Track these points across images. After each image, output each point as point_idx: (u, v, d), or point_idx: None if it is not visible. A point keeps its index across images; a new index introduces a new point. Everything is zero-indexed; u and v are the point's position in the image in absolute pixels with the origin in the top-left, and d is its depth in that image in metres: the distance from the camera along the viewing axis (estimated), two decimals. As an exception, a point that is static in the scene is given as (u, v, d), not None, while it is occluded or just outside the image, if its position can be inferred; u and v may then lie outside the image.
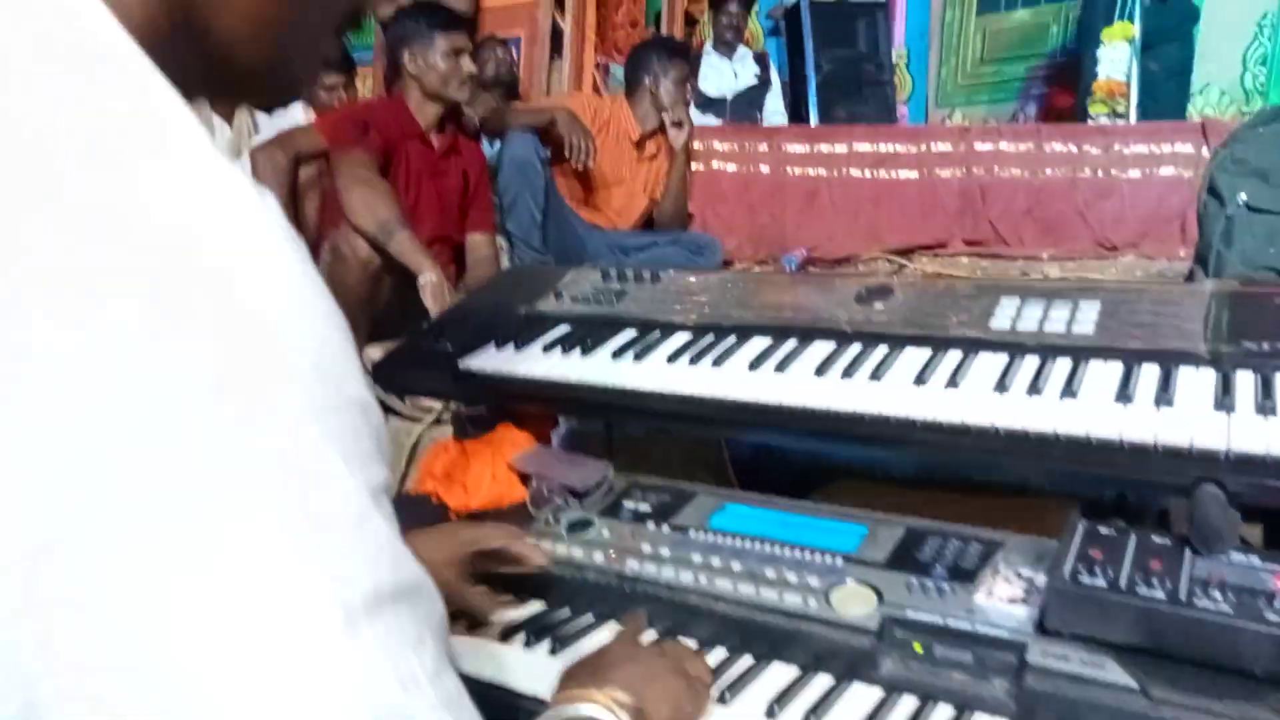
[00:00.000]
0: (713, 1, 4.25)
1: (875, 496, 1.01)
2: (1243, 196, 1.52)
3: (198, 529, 0.27)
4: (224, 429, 0.28)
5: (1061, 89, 5.34)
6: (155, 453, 0.27)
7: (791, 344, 1.04)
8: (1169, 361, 0.88)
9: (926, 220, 2.85)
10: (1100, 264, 2.53)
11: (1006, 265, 2.66)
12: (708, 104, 4.07)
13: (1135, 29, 2.91)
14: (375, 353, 1.97)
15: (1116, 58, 2.92)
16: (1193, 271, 1.59)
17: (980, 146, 2.81)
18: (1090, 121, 2.99)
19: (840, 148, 2.96)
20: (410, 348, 1.19)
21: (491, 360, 1.11)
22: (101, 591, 0.26)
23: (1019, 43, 5.66)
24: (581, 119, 2.67)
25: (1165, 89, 3.16)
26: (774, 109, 4.23)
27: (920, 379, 0.92)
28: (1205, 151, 2.49)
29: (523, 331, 1.16)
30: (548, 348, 1.12)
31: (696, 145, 3.04)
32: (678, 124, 2.82)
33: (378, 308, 1.93)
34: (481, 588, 0.84)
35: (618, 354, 1.08)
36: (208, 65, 0.43)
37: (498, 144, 2.72)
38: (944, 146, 2.86)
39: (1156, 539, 0.76)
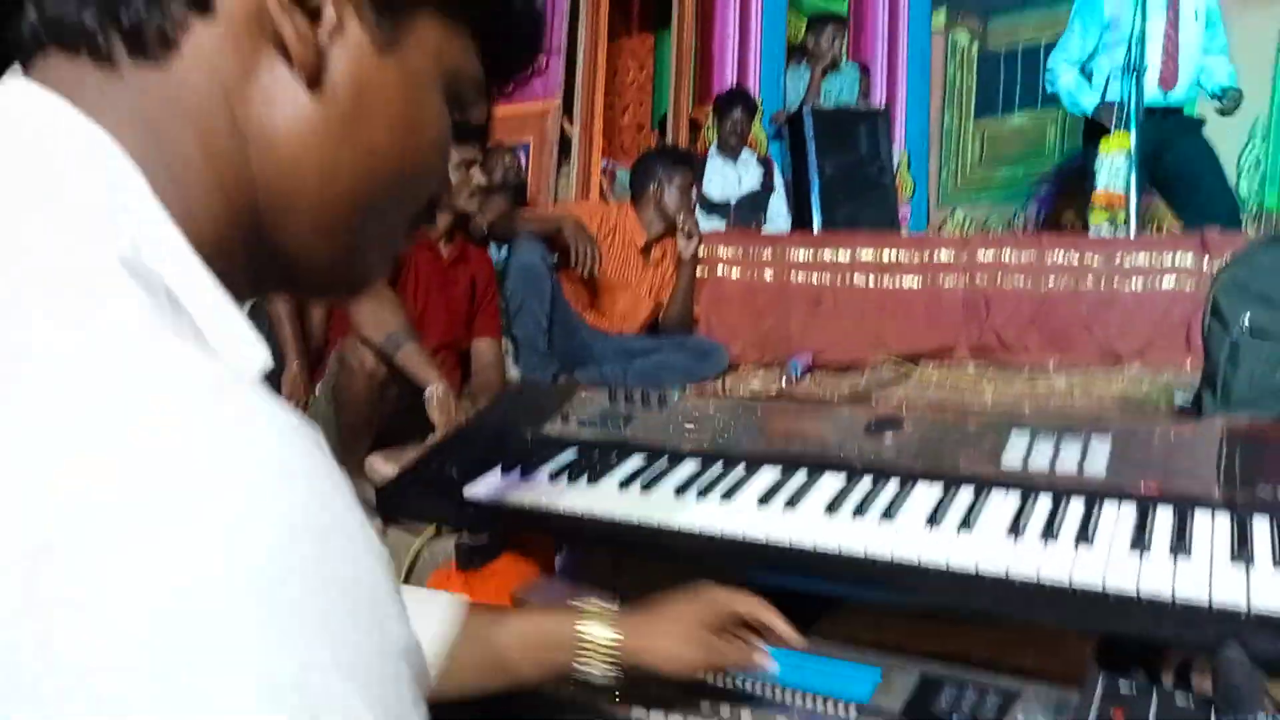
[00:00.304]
0: (717, 107, 4.37)
1: (887, 626, 0.98)
2: (1246, 321, 1.53)
3: None
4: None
5: (1064, 194, 5.47)
6: None
7: (801, 477, 1.03)
8: (1183, 505, 0.87)
9: (931, 327, 2.86)
10: (1107, 374, 2.53)
11: (1013, 374, 2.66)
12: (712, 207, 4.15)
13: (1132, 140, 2.98)
14: (378, 462, 1.97)
15: (1115, 169, 2.98)
16: (1200, 396, 1.58)
17: (983, 256, 2.85)
18: (1091, 232, 3.04)
19: (843, 255, 3.00)
20: (414, 472, 1.18)
21: (496, 487, 1.10)
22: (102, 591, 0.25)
23: (1017, 146, 5.83)
24: (588, 226, 2.72)
25: (1207, 195, 3.24)
26: (777, 211, 4.31)
27: (933, 519, 0.91)
28: (1205, 264, 2.52)
29: (529, 456, 1.15)
30: (554, 475, 1.11)
31: (701, 251, 3.08)
32: (687, 232, 2.87)
33: (383, 417, 1.92)
34: (738, 642, 0.84)
35: (625, 484, 1.07)
36: (279, 270, 0.44)
37: (504, 249, 2.77)
38: (947, 255, 2.90)
39: (1179, 699, 0.74)
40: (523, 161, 3.97)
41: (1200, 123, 3.52)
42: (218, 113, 0.38)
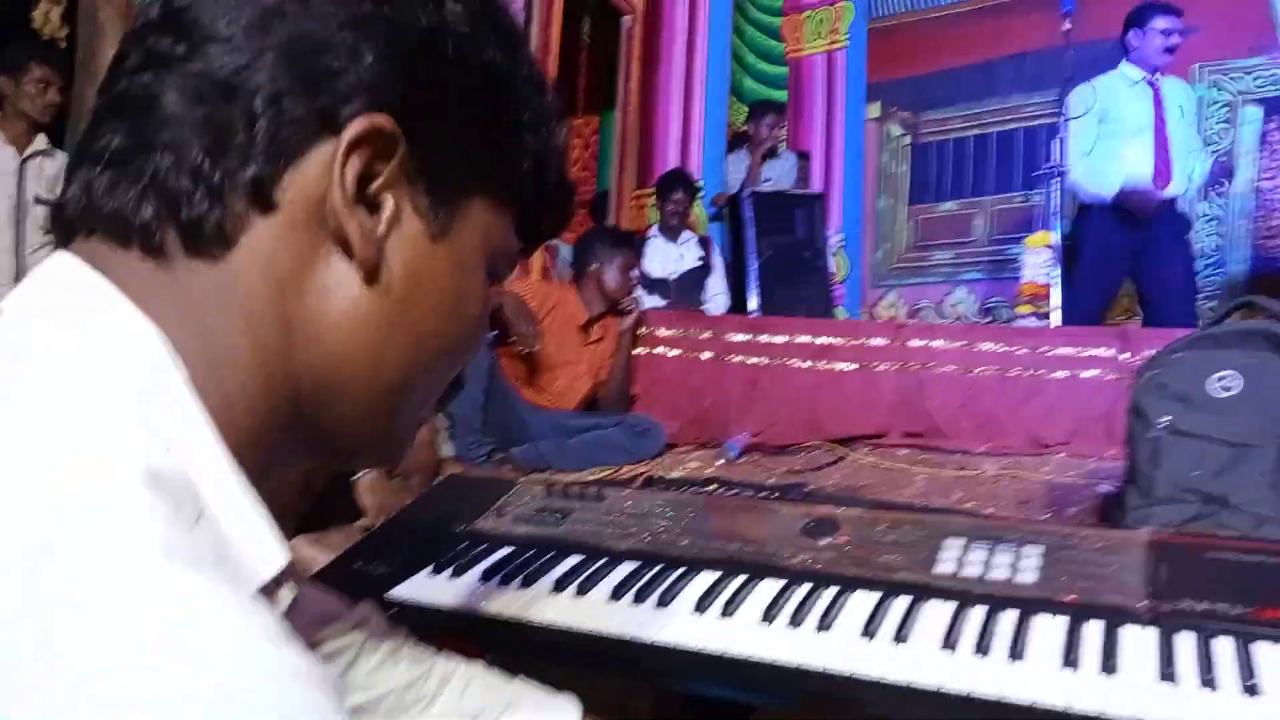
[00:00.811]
0: (659, 188, 4.45)
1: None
2: (1166, 420, 1.58)
3: None
4: None
5: (993, 280, 5.69)
6: None
7: (739, 581, 1.01)
8: (1112, 618, 0.88)
9: (866, 411, 2.91)
10: (1035, 461, 2.59)
11: (944, 458, 2.70)
12: (652, 284, 4.19)
13: (1054, 236, 3.11)
14: (304, 545, 1.90)
15: (1039, 262, 3.11)
16: (1124, 492, 1.62)
17: (914, 343, 2.92)
18: (1017, 322, 3.14)
19: (780, 338, 3.05)
20: (336, 570, 1.14)
21: (424, 589, 1.06)
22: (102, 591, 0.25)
23: (947, 232, 6.07)
24: (529, 303, 2.72)
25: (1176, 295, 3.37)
26: (716, 290, 4.37)
27: (868, 631, 0.90)
28: (1125, 356, 2.62)
29: (460, 555, 1.12)
30: (487, 576, 1.08)
31: (641, 330, 3.10)
32: (627, 312, 2.90)
33: (311, 499, 1.86)
34: None
35: (559, 586, 1.04)
36: (315, 447, 0.44)
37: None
38: (880, 341, 2.96)
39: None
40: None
41: (1188, 224, 3.67)
42: (269, 305, 0.39)
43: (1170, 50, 3.41)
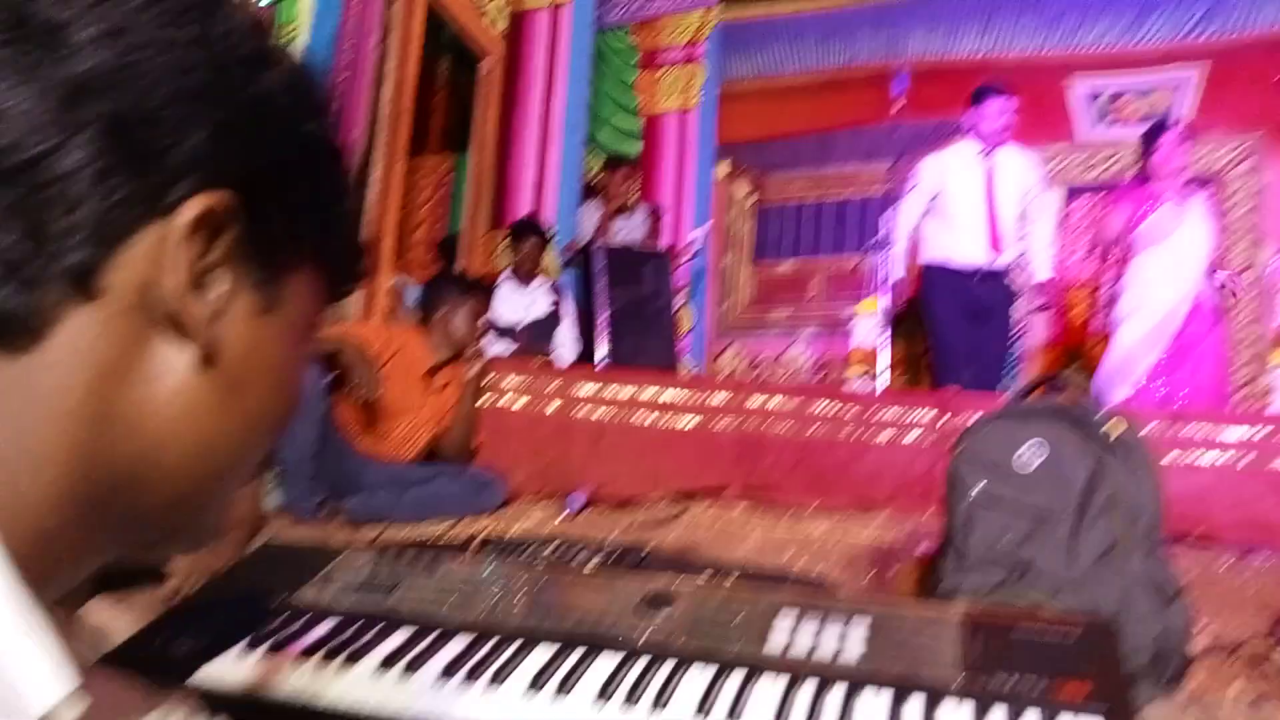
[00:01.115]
0: (511, 233, 4.43)
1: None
2: (978, 489, 1.68)
3: None
4: None
5: (828, 336, 5.98)
6: None
7: (576, 657, 1.00)
8: (932, 692, 0.92)
9: (705, 467, 2.97)
10: (862, 518, 2.70)
11: (779, 515, 2.78)
12: (501, 331, 4.15)
13: (882, 303, 3.30)
14: (104, 609, 1.73)
15: (868, 327, 3.29)
16: (940, 556, 1.71)
17: (753, 402, 3.01)
18: (847, 384, 3.30)
19: (627, 391, 3.08)
20: (138, 646, 1.04)
21: (237, 669, 0.99)
22: None
23: (787, 289, 6.35)
24: (371, 348, 2.62)
25: (994, 361, 3.60)
26: (566, 339, 4.37)
27: (703, 708, 0.90)
28: (945, 420, 2.80)
29: (279, 629, 1.04)
30: (307, 652, 1.01)
31: (487, 379, 3.05)
32: (472, 359, 2.84)
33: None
34: None
35: (387, 663, 0.99)
36: (125, 538, 0.41)
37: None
38: (721, 398, 3.04)
39: None
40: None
41: (1014, 294, 3.94)
42: (84, 397, 0.36)
43: (1005, 129, 3.73)
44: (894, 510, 2.77)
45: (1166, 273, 3.63)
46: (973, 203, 3.66)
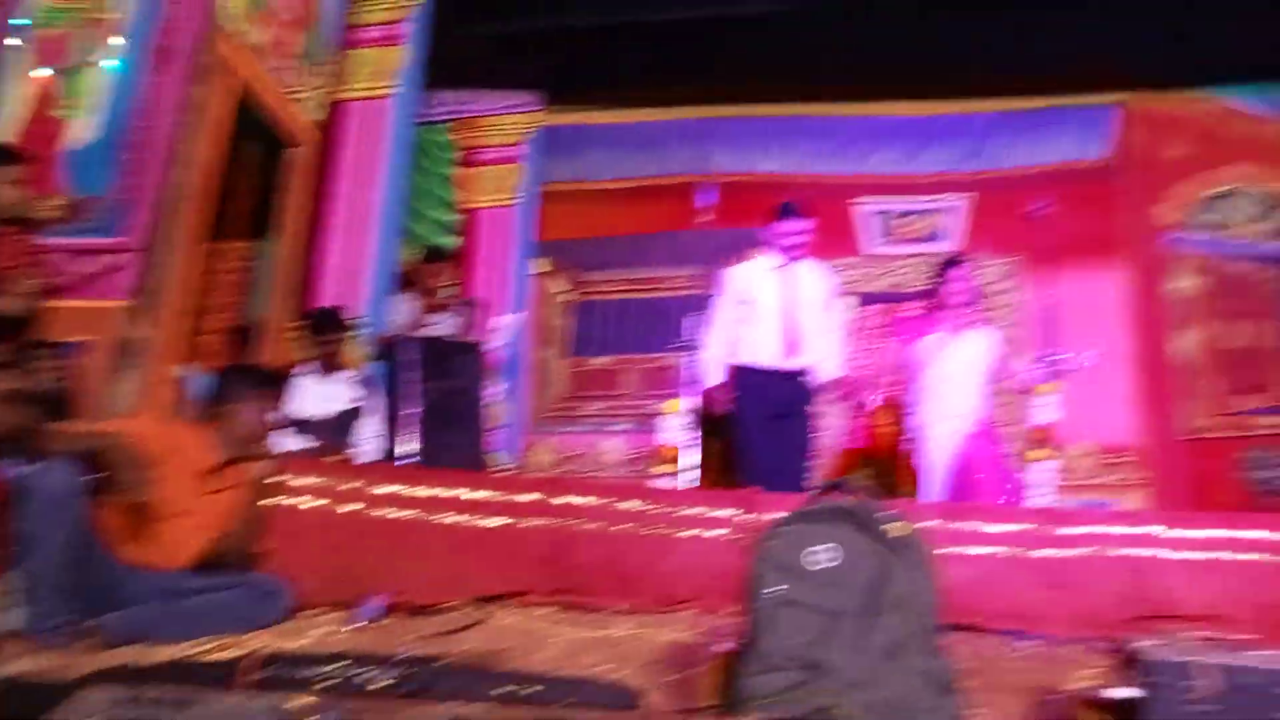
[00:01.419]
0: (312, 324, 4.25)
1: None
2: (776, 591, 1.72)
3: None
4: None
5: (639, 432, 6.07)
6: None
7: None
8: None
9: (512, 568, 2.88)
10: (667, 618, 2.70)
11: (584, 617, 2.73)
12: (299, 426, 3.93)
13: (686, 404, 3.39)
14: None
15: (674, 427, 3.36)
16: (741, 656, 1.72)
17: (563, 500, 2.98)
18: (656, 483, 3.34)
19: (432, 491, 2.97)
20: None
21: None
22: None
23: (600, 384, 6.43)
24: (146, 444, 2.40)
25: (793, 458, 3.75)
26: (370, 435, 4.19)
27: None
28: (747, 518, 2.87)
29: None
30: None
31: (277, 478, 2.86)
32: (261, 457, 2.66)
33: None
34: None
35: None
36: None
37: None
38: (530, 497, 2.99)
39: None
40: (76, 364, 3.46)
41: (809, 395, 4.12)
42: None
43: (798, 246, 4.01)
44: (698, 609, 2.79)
45: (959, 390, 4.02)
46: (771, 310, 3.88)
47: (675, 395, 3.41)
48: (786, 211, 4.06)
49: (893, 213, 6.30)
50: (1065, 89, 6.10)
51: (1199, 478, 5.49)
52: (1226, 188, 5.86)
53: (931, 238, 6.23)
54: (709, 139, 6.56)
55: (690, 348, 3.56)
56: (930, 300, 4.22)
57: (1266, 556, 2.60)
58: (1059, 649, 2.46)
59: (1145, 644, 1.67)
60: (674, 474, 3.30)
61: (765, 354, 3.85)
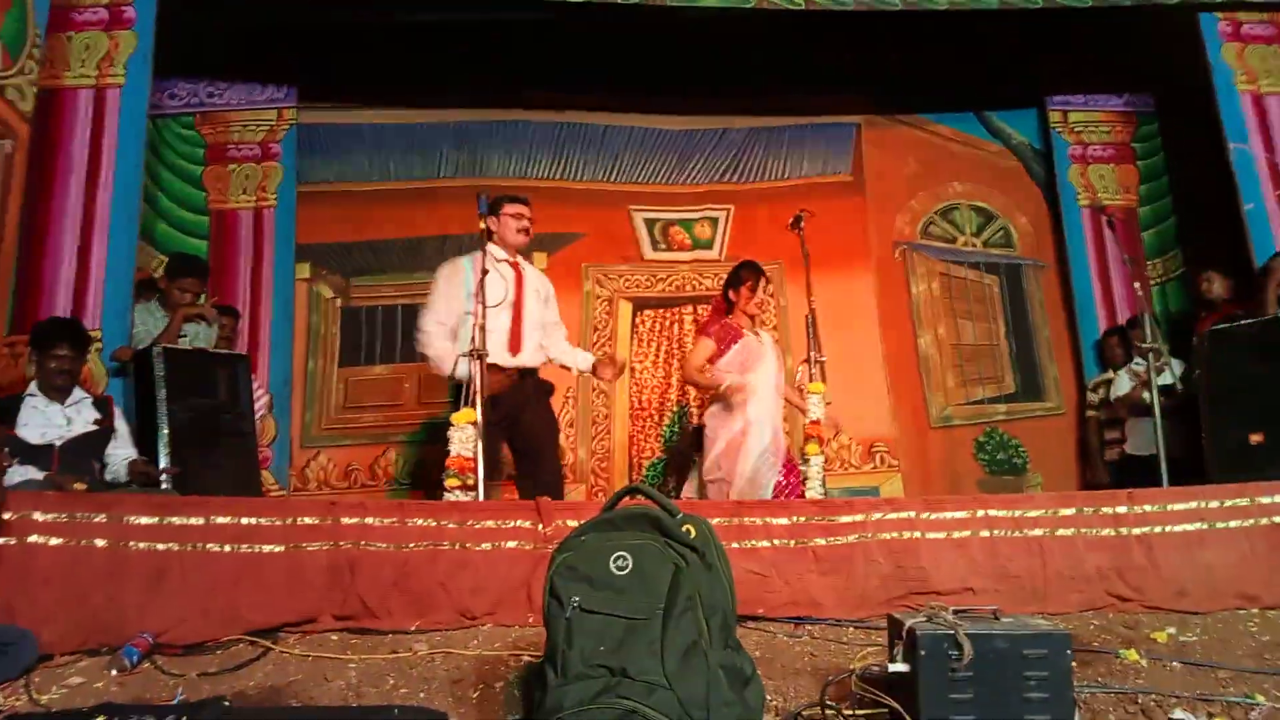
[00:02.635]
0: (36, 338, 3.76)
1: None
2: (576, 600, 1.74)
3: None
4: None
5: (424, 444, 5.89)
6: None
7: None
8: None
9: (293, 596, 2.71)
10: (464, 635, 2.65)
11: (377, 640, 2.63)
12: (30, 452, 3.48)
13: (477, 414, 3.34)
14: None
15: (465, 438, 3.30)
16: (545, 669, 1.72)
17: (347, 520, 2.84)
18: (445, 495, 3.26)
19: (196, 520, 2.73)
20: None
21: None
22: None
23: (378, 395, 6.16)
24: None
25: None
26: (120, 458, 3.78)
27: None
28: (540, 528, 2.87)
29: None
30: None
31: (8, 515, 2.53)
32: (-17, 492, 2.33)
33: None
34: None
35: None
36: None
37: None
38: (311, 519, 2.82)
39: None
40: None
41: (550, 389, 4.15)
42: None
43: (524, 233, 4.04)
44: (495, 622, 2.76)
45: (762, 396, 4.20)
46: (502, 304, 3.89)
47: (464, 406, 3.34)
48: (508, 198, 4.11)
49: (663, 221, 6.53)
50: (811, 110, 6.61)
51: (946, 462, 6.14)
52: (951, 203, 6.60)
53: (698, 246, 6.52)
54: (480, 141, 6.50)
55: (480, 356, 3.49)
56: (725, 309, 4.41)
57: (1005, 532, 2.96)
58: (837, 630, 2.67)
59: (912, 620, 1.84)
60: (467, 486, 3.24)
61: (496, 351, 3.79)
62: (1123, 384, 5.32)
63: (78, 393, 3.79)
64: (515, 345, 3.95)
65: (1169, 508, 3.07)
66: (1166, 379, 4.60)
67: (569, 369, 4.29)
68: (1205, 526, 3.03)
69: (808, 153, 6.68)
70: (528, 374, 4.02)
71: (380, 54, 6.19)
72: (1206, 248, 5.50)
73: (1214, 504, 3.07)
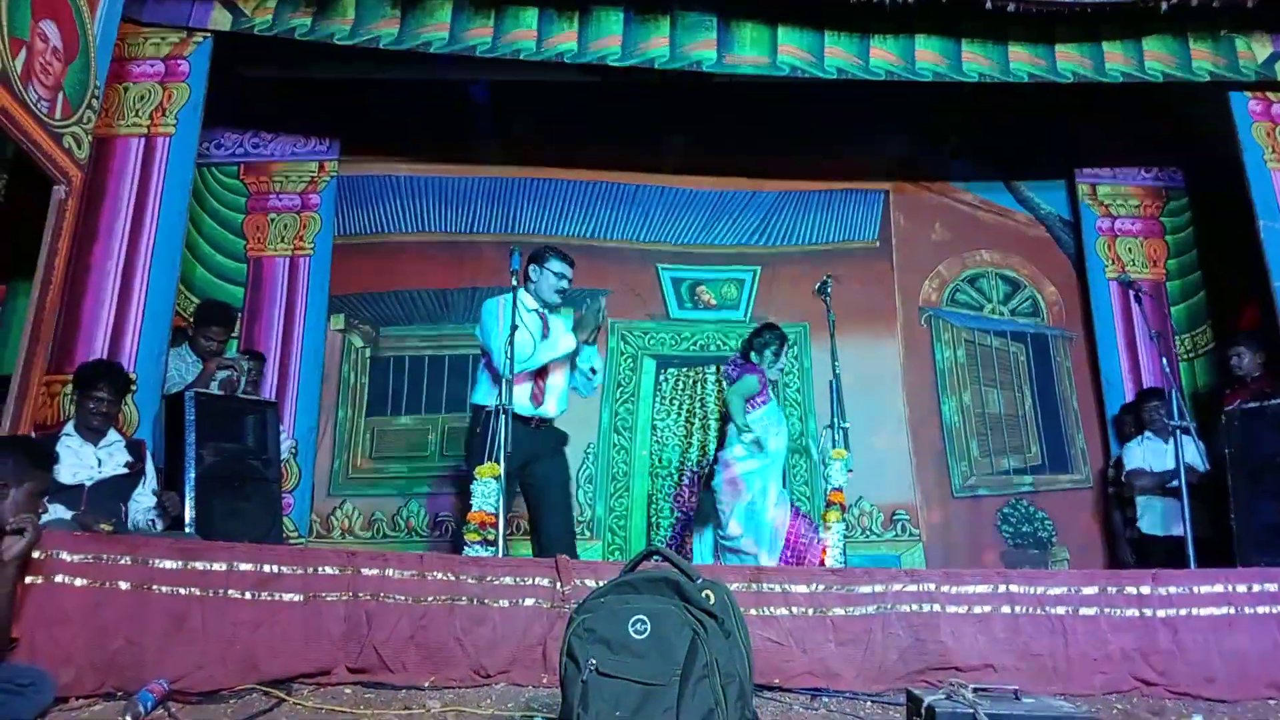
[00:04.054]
0: (79, 380, 3.85)
1: None
2: (593, 662, 1.74)
3: None
4: None
5: (445, 495, 5.92)
6: None
7: None
8: None
9: (309, 647, 2.72)
10: (477, 693, 2.64)
11: (390, 695, 2.62)
12: (61, 491, 3.53)
13: (501, 468, 3.36)
14: None
15: (487, 492, 3.31)
16: (561, 732, 1.72)
17: (367, 571, 2.85)
18: (466, 550, 3.27)
19: (219, 566, 2.75)
20: None
21: None
22: None
23: (403, 445, 6.21)
24: None
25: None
26: (147, 503, 3.83)
27: None
28: (560, 586, 2.86)
29: None
30: None
31: (37, 554, 2.57)
32: (18, 531, 2.37)
33: None
34: None
35: None
36: None
37: None
38: (331, 570, 2.84)
39: None
40: None
41: (564, 437, 4.16)
42: None
43: (561, 294, 4.08)
44: (509, 680, 2.74)
45: (779, 453, 4.25)
46: (527, 354, 3.86)
47: (487, 461, 3.36)
48: (554, 254, 4.13)
49: (690, 280, 6.59)
50: (840, 175, 6.70)
51: (969, 532, 6.05)
52: (979, 270, 6.62)
53: (724, 305, 6.57)
54: (513, 198, 6.63)
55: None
56: (761, 368, 4.46)
57: (1027, 609, 2.91)
58: (854, 704, 2.63)
59: (931, 697, 1.82)
60: (488, 541, 3.25)
61: (515, 400, 3.77)
62: (1132, 460, 5.16)
63: (112, 435, 3.86)
64: (539, 396, 3.98)
65: (1195, 590, 3.01)
66: (1192, 456, 4.51)
67: (566, 364, 4.18)
68: (1233, 611, 2.97)
69: (836, 217, 6.73)
70: (544, 422, 4.04)
71: (420, 110, 6.38)
72: (1237, 324, 5.46)
73: (1241, 588, 3.01)
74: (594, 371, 4.22)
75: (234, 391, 4.75)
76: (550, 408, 4.04)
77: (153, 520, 3.80)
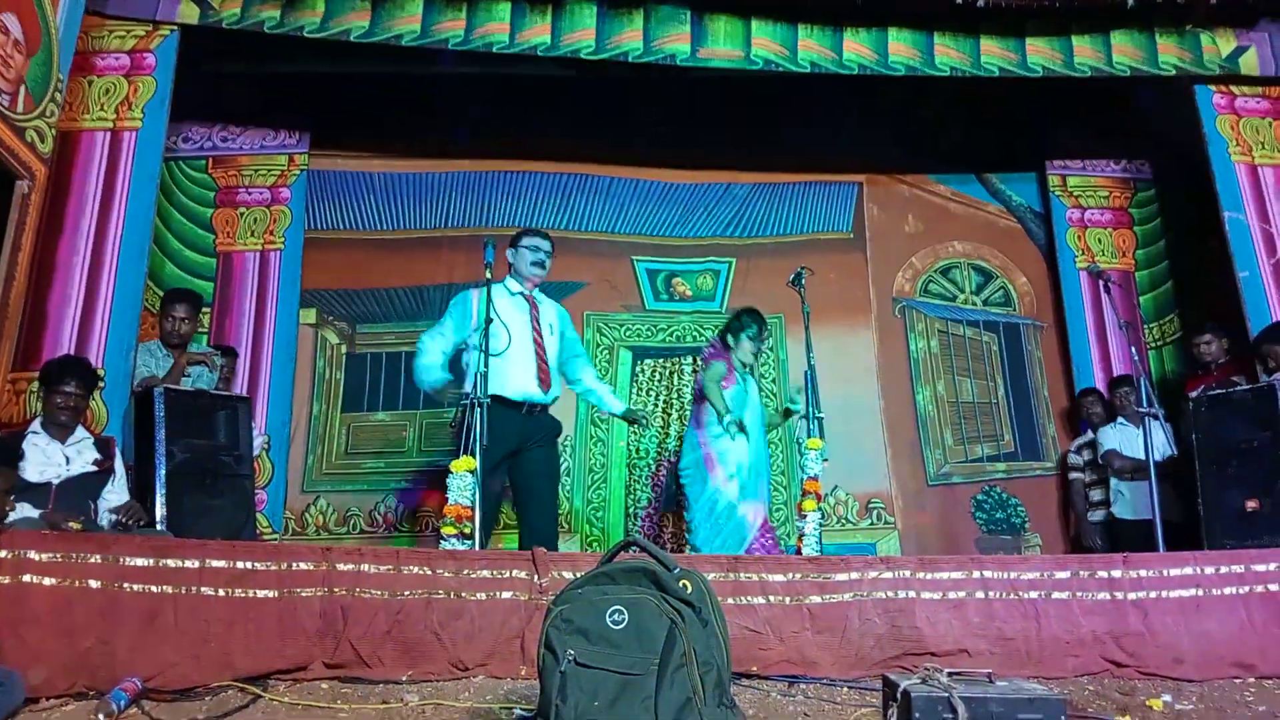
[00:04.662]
0: (45, 376, 3.79)
1: None
2: (571, 653, 1.74)
3: None
4: None
5: (429, 490, 5.88)
6: None
7: None
8: None
9: (285, 643, 2.70)
10: (455, 686, 2.63)
11: (368, 690, 2.61)
12: (28, 490, 3.47)
13: (476, 463, 3.35)
14: None
15: (463, 485, 3.30)
16: (538, 714, 1.72)
17: (342, 566, 2.84)
18: (442, 544, 3.26)
19: (191, 563, 2.72)
20: None
21: None
22: None
23: (379, 441, 6.17)
24: None
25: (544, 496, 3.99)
26: (117, 500, 3.77)
27: None
28: (537, 579, 2.86)
29: None
30: None
31: (4, 553, 2.53)
32: (-17, 530, 2.34)
33: None
34: None
35: None
36: None
37: None
38: (306, 565, 2.82)
39: None
40: None
41: (558, 427, 4.16)
42: None
43: (539, 265, 4.10)
44: (488, 674, 2.74)
45: (750, 439, 4.31)
46: (523, 339, 3.98)
47: (463, 456, 3.34)
48: (528, 232, 4.20)
49: (665, 272, 6.60)
50: (814, 167, 6.73)
51: (943, 520, 6.11)
52: (951, 261, 6.68)
53: (701, 296, 6.58)
54: (487, 191, 6.59)
55: (473, 404, 3.50)
56: (729, 355, 4.49)
57: (1000, 594, 2.95)
58: (831, 690, 2.65)
59: (907, 682, 1.84)
60: (464, 535, 3.23)
61: (514, 386, 3.87)
62: (1109, 442, 5.25)
63: (80, 432, 3.80)
64: (546, 381, 4.00)
65: (1165, 573, 3.06)
66: (1160, 441, 4.59)
67: (596, 407, 4.36)
68: (1202, 593, 3.02)
69: (810, 209, 6.76)
70: (537, 408, 4.03)
71: (391, 103, 6.32)
72: (1203, 312, 5.55)
73: (1210, 570, 3.07)
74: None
75: (214, 386, 4.70)
76: (554, 392, 4.09)
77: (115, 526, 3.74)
